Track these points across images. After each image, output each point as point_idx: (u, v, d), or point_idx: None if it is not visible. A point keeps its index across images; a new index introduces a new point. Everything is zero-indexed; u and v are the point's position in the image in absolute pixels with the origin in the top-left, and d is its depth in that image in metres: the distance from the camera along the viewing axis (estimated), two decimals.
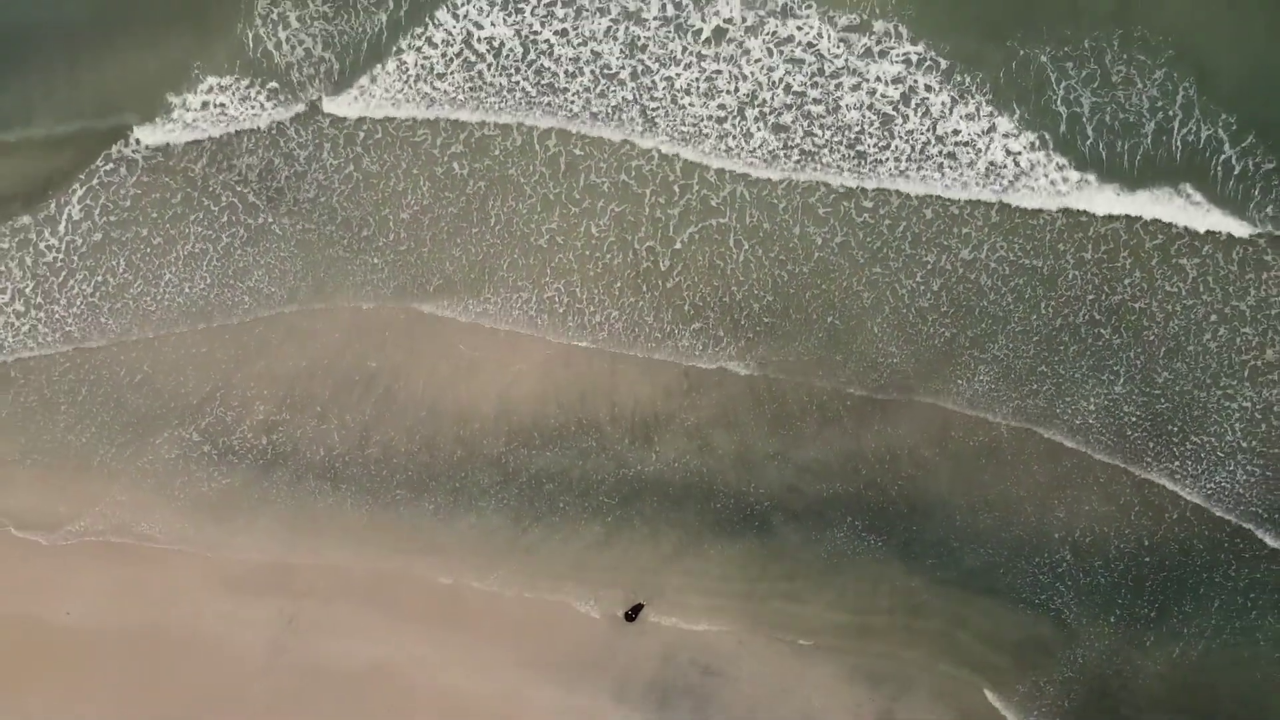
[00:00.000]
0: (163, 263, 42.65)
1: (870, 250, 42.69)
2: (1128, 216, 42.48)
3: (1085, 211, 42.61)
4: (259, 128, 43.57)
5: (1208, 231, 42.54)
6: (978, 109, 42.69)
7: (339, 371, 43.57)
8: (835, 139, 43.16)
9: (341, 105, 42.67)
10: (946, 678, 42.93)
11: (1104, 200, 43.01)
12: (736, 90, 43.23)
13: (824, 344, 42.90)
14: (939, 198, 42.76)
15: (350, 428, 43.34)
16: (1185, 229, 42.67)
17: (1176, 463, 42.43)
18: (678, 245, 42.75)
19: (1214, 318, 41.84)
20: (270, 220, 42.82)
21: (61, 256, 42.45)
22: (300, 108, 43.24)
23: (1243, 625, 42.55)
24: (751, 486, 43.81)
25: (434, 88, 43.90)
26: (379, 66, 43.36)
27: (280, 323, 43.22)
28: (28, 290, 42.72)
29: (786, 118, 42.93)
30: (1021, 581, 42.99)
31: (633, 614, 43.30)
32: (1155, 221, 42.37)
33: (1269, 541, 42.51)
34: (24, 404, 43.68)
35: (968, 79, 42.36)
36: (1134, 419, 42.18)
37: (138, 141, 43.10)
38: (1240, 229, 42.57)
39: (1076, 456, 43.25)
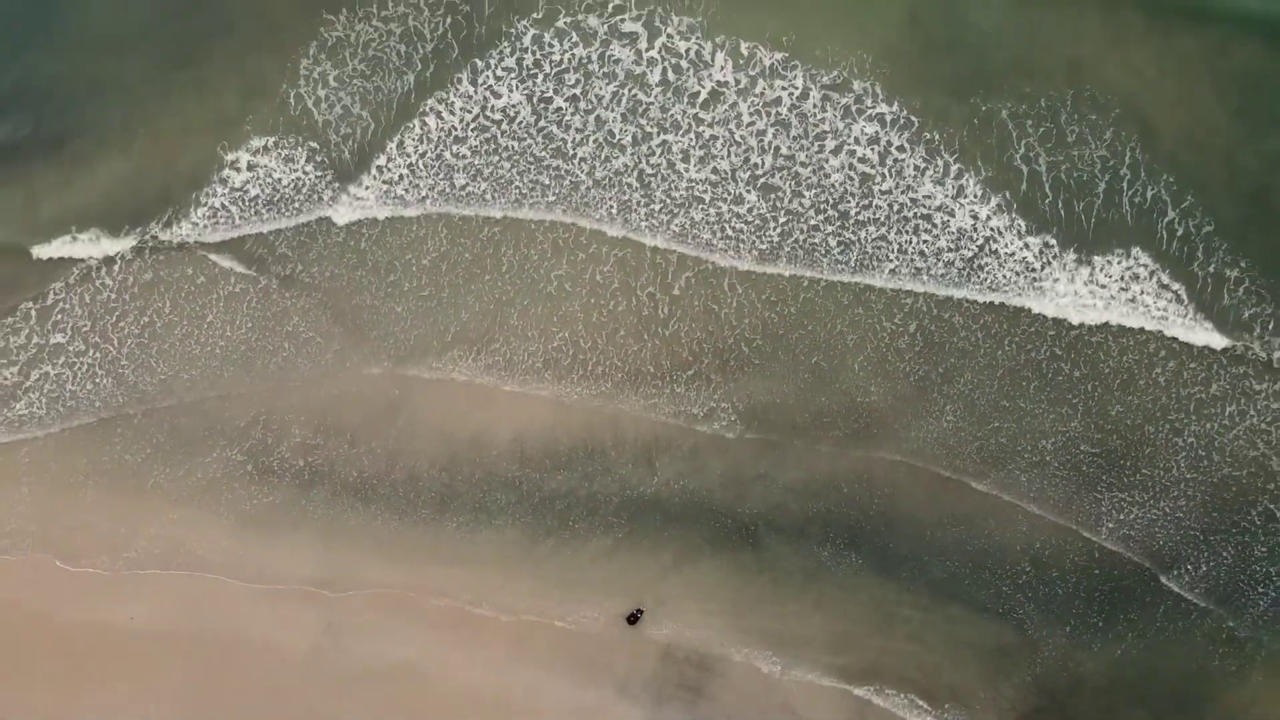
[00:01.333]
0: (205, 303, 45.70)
1: (854, 293, 45.27)
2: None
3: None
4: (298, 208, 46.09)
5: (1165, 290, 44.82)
6: (945, 168, 45.13)
7: (367, 400, 46.05)
8: (821, 199, 45.40)
9: (344, 213, 45.37)
10: (917, 680, 44.89)
11: (1065, 286, 44.79)
12: (729, 155, 45.75)
13: (809, 384, 45.17)
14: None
15: (378, 453, 45.90)
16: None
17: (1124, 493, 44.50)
18: (676, 291, 45.35)
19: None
20: (300, 268, 45.80)
21: (114, 295, 45.42)
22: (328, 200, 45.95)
23: (1184, 625, 44.15)
24: (741, 505, 45.72)
25: (454, 153, 46.22)
26: (388, 149, 45.82)
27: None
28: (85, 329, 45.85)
29: (776, 179, 45.54)
30: (986, 593, 44.86)
31: (634, 618, 45.23)
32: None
33: (1171, 585, 44.13)
34: (84, 425, 45.79)
35: (936, 136, 45.09)
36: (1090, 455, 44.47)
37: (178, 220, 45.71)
38: (1206, 335, 44.34)
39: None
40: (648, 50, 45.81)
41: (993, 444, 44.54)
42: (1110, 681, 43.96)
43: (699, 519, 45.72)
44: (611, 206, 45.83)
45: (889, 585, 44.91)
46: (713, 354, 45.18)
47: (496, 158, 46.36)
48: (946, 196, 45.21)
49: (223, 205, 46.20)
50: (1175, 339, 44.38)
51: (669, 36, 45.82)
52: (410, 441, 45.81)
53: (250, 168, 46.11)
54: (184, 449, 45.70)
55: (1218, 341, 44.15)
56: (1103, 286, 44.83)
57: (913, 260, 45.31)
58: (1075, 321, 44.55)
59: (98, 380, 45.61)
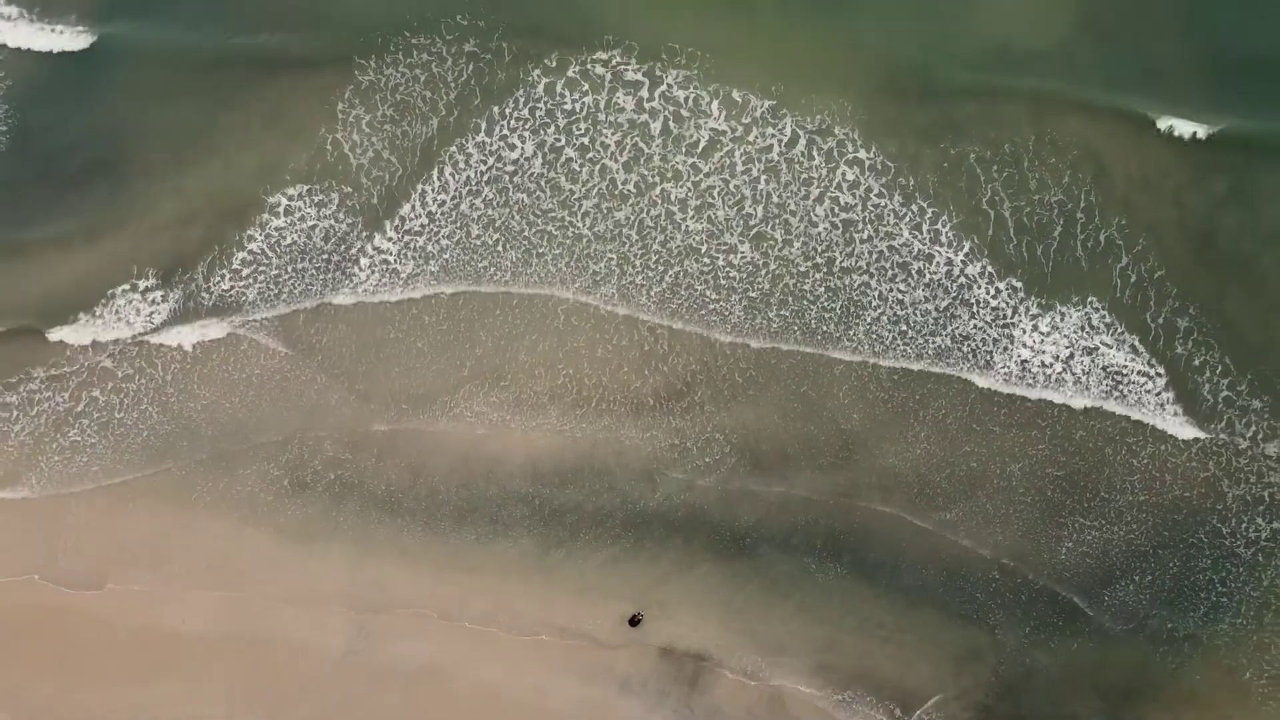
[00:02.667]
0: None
1: (845, 319, 47.67)
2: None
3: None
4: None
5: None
6: (920, 213, 47.44)
7: (392, 416, 48.50)
8: (810, 246, 47.76)
9: (342, 297, 48.27)
10: (891, 677, 46.44)
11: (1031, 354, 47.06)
12: (723, 203, 48.29)
13: (799, 414, 47.60)
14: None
15: (402, 469, 48.19)
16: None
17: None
18: (677, 324, 48.08)
19: None
20: (323, 337, 48.48)
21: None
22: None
23: (1133, 626, 45.78)
24: (732, 519, 47.51)
25: (471, 206, 48.69)
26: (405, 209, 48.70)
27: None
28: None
29: (767, 227, 48.05)
30: (958, 597, 46.53)
31: (635, 621, 46.98)
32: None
33: (1119, 595, 45.65)
34: (140, 441, 48.37)
35: (911, 181, 47.63)
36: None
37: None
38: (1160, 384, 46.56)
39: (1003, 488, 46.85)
40: (649, 100, 48.70)
41: (963, 470, 46.81)
42: (1064, 673, 45.81)
43: (694, 531, 47.59)
44: (611, 259, 48.23)
45: (866, 591, 46.59)
46: (707, 384, 47.74)
47: (508, 210, 48.91)
48: (922, 243, 47.65)
49: (261, 251, 48.93)
50: (1137, 408, 46.50)
51: (669, 85, 48.69)
52: (431, 459, 48.12)
53: (287, 213, 48.74)
54: (223, 464, 48.08)
55: (1171, 396, 46.38)
56: (1060, 341, 46.85)
57: (893, 308, 47.62)
58: (1032, 398, 46.75)
59: (143, 408, 48.48)
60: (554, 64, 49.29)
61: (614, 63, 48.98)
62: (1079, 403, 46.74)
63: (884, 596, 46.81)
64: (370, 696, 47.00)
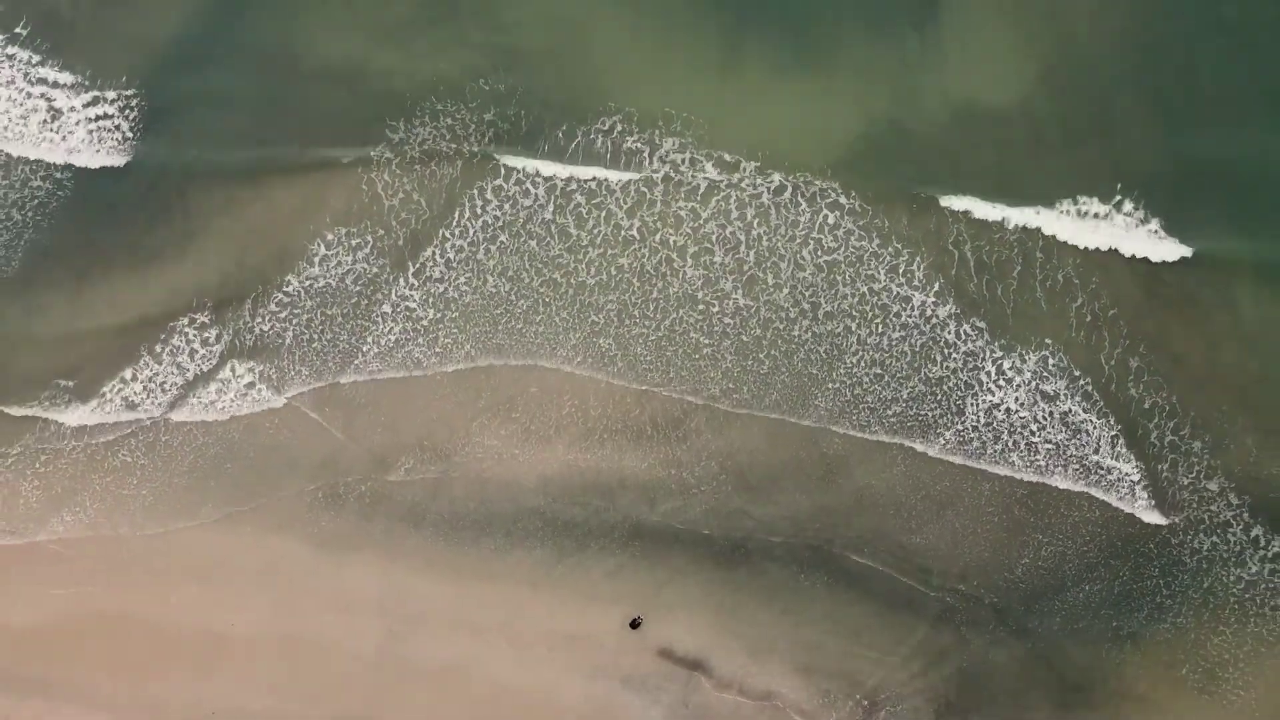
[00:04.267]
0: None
1: (826, 363, 49.68)
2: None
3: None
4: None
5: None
6: (896, 254, 49.22)
7: (414, 442, 50.71)
8: (798, 292, 49.84)
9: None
10: (868, 675, 48.11)
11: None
12: (720, 250, 50.53)
13: (785, 439, 49.68)
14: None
15: (425, 488, 50.09)
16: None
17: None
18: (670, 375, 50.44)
19: None
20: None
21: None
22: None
23: (1084, 625, 47.74)
24: (723, 533, 49.35)
25: (486, 251, 51.03)
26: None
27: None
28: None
29: (759, 271, 50.38)
30: (929, 604, 48.32)
31: (636, 624, 48.63)
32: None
33: (1073, 599, 47.08)
34: (194, 466, 50.65)
35: (886, 223, 49.60)
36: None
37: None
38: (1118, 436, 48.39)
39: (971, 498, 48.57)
40: (649, 165, 51.14)
41: (936, 490, 48.93)
42: (1020, 670, 47.47)
43: (689, 544, 49.45)
44: (611, 310, 50.56)
45: (844, 597, 48.33)
46: (702, 410, 49.86)
47: (518, 258, 51.30)
48: (899, 286, 49.61)
49: (298, 293, 51.53)
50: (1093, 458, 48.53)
51: (666, 151, 51.18)
52: (452, 479, 50.09)
53: (323, 261, 51.43)
54: (265, 482, 50.32)
55: (1127, 448, 48.50)
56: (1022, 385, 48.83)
57: (870, 352, 49.65)
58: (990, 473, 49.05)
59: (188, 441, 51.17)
60: (561, 135, 51.78)
61: (615, 131, 51.30)
62: (1026, 476, 49.07)
63: (860, 603, 48.51)
64: (399, 691, 48.67)
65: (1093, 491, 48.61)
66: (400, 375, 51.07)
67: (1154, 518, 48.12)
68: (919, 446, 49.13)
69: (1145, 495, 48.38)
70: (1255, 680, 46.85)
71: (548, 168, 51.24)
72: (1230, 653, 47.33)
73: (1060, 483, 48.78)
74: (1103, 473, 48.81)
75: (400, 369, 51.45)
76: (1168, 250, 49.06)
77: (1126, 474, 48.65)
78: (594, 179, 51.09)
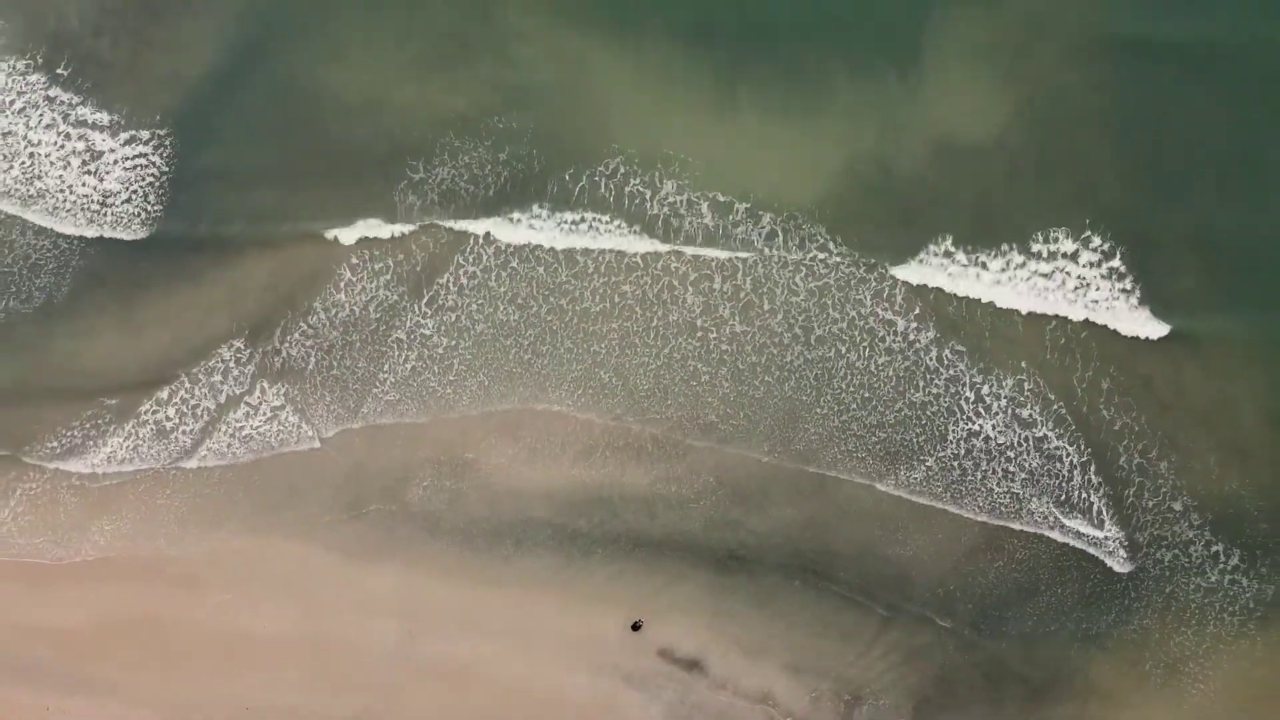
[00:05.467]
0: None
1: (816, 390, 51.20)
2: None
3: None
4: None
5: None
6: (880, 279, 51.35)
7: (432, 458, 52.34)
8: (790, 317, 51.33)
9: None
10: (853, 673, 49.79)
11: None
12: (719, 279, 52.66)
13: (776, 452, 51.26)
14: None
15: (442, 501, 51.76)
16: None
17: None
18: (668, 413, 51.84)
19: None
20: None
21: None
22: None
23: (1055, 627, 49.47)
24: (718, 542, 50.80)
25: (496, 278, 53.06)
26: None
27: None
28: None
29: (754, 297, 52.35)
30: (913, 606, 50.03)
31: (637, 626, 49.99)
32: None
33: (1115, 567, 48.94)
34: (223, 479, 52.47)
35: (872, 260, 51.87)
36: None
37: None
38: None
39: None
40: (649, 208, 53.32)
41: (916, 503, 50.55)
42: (994, 667, 49.31)
43: (686, 551, 50.92)
44: (614, 339, 52.32)
45: (830, 601, 49.97)
46: (696, 427, 51.48)
47: (527, 285, 53.37)
48: (879, 312, 51.67)
49: (319, 325, 53.56)
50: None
51: (666, 192, 53.34)
52: (466, 489, 51.63)
53: (349, 287, 53.52)
54: (292, 495, 52.10)
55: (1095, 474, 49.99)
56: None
57: (857, 376, 51.19)
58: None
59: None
60: (568, 177, 53.63)
61: (619, 174, 53.34)
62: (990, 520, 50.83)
63: (845, 609, 50.35)
64: (416, 687, 50.26)
65: (1058, 533, 50.60)
66: (422, 420, 53.06)
67: (1121, 561, 50.09)
68: (886, 487, 51.27)
69: (1114, 529, 50.26)
70: (1213, 674, 49.00)
71: (548, 230, 53.58)
72: (1190, 650, 49.33)
73: (1024, 525, 50.53)
74: (1071, 508, 50.55)
75: (417, 399, 53.43)
76: (1143, 321, 50.95)
77: (1096, 509, 50.42)
78: (611, 248, 53.21)
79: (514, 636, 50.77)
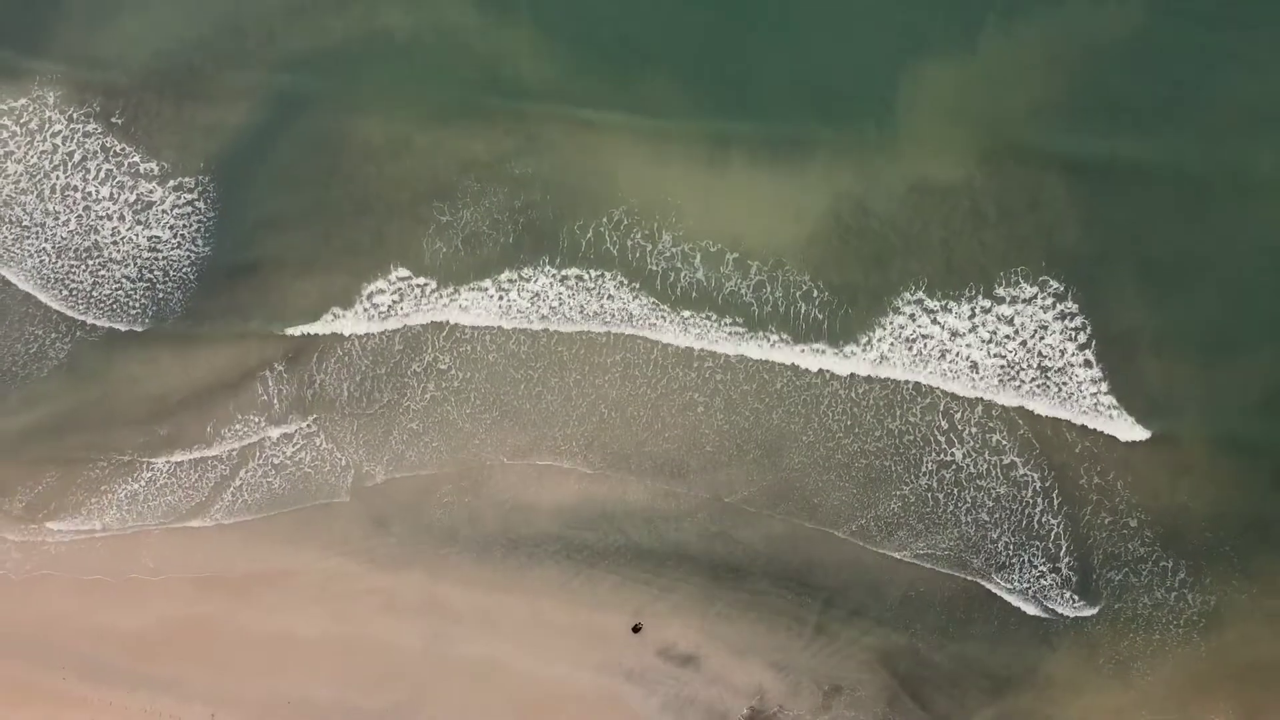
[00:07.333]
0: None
1: (808, 408, 54.53)
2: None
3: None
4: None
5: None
6: (866, 319, 55.37)
7: (452, 475, 55.51)
8: (787, 334, 54.82)
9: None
10: (829, 671, 52.32)
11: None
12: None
13: (767, 469, 54.26)
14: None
15: (461, 514, 55.03)
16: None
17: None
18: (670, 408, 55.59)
19: None
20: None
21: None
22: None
23: (1014, 625, 52.29)
24: (709, 552, 53.65)
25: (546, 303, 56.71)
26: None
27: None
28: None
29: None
30: (884, 609, 52.68)
31: (637, 629, 52.72)
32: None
33: (1016, 604, 51.61)
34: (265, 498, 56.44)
35: (850, 312, 55.80)
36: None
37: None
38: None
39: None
40: (649, 262, 56.64)
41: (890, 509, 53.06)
42: (962, 663, 51.81)
43: (681, 561, 53.73)
44: (616, 371, 56.04)
45: (813, 605, 52.45)
46: (690, 448, 54.60)
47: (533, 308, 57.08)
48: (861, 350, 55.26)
49: (349, 354, 57.18)
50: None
51: (664, 243, 57.33)
52: (482, 505, 54.69)
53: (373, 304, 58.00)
54: (327, 511, 55.47)
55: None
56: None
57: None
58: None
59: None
60: (582, 221, 57.76)
61: (622, 225, 57.52)
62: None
63: (824, 611, 53.10)
64: (441, 683, 53.24)
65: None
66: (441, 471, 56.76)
67: (1080, 606, 53.01)
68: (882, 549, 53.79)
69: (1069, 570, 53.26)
70: (1159, 669, 52.14)
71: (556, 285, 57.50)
72: (1138, 651, 52.28)
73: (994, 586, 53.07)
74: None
75: (438, 435, 57.19)
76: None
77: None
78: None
79: (527, 638, 53.65)
